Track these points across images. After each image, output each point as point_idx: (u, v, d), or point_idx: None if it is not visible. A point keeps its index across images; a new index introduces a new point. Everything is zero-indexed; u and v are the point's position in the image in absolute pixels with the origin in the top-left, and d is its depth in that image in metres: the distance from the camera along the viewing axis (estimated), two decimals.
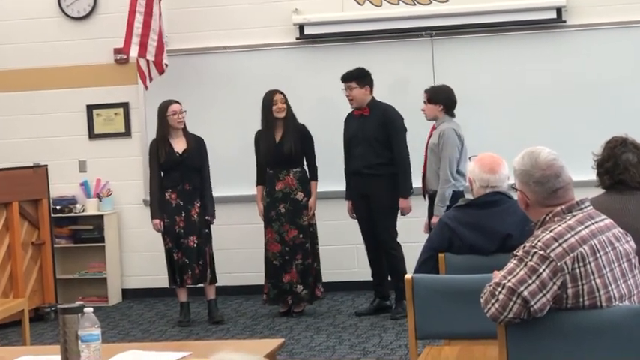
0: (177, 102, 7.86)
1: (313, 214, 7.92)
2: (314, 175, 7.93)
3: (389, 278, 7.84)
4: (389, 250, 7.72)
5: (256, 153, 7.98)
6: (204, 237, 7.84)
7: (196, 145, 7.87)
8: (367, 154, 7.66)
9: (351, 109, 7.89)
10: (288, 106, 7.84)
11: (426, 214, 7.37)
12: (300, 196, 7.84)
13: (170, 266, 7.86)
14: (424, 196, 7.44)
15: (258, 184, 8.01)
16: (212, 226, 7.92)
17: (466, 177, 6.84)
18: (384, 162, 7.63)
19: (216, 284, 7.95)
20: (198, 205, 7.82)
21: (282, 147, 7.79)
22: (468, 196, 5.73)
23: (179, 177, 7.80)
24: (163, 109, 7.83)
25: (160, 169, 7.84)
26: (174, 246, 7.79)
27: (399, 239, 7.72)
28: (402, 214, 7.69)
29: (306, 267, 7.82)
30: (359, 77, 7.72)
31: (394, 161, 7.63)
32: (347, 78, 7.74)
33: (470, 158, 4.89)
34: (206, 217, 7.85)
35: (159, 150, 7.80)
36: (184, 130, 7.87)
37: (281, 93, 7.84)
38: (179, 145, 7.83)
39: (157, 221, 7.80)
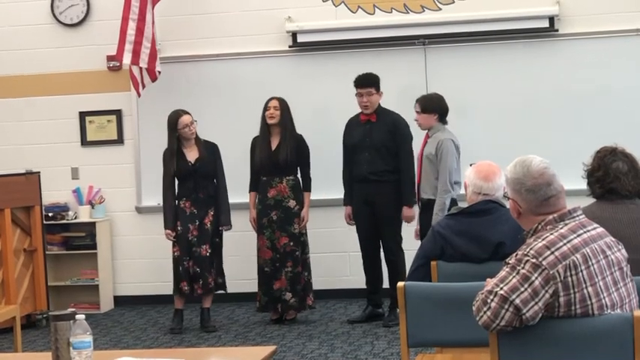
0: (187, 113, 7.78)
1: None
2: (307, 186, 7.90)
3: (384, 286, 7.82)
4: (391, 257, 7.70)
5: (251, 159, 7.96)
6: (215, 246, 7.83)
7: (209, 153, 7.83)
8: (374, 161, 7.61)
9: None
10: (288, 115, 7.82)
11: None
12: (292, 203, 7.83)
13: (176, 274, 7.80)
14: (417, 204, 7.43)
15: (251, 190, 8.00)
16: None
17: (461, 185, 6.87)
18: (390, 169, 7.60)
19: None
20: (212, 213, 7.80)
21: (278, 155, 7.77)
22: (462, 204, 5.73)
23: (193, 186, 7.77)
24: (173, 122, 7.76)
25: (173, 178, 7.81)
26: (184, 254, 7.74)
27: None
28: (406, 222, 7.65)
29: (295, 275, 7.80)
30: (377, 83, 7.67)
31: (400, 169, 7.60)
32: (367, 84, 7.65)
33: (470, 165, 4.89)
34: (220, 228, 7.84)
35: (171, 160, 7.76)
36: (196, 137, 7.84)
37: (278, 100, 7.82)
38: (191, 155, 7.79)
39: (169, 231, 7.77)
